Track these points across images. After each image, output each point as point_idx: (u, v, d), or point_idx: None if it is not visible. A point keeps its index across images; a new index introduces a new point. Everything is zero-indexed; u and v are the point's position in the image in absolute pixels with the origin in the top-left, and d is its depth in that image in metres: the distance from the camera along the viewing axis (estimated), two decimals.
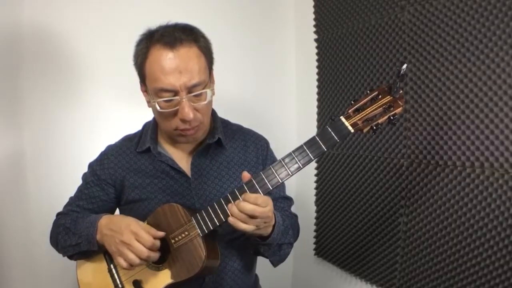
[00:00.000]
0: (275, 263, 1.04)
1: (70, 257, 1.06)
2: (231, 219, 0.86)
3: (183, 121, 0.94)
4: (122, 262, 0.90)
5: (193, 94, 0.93)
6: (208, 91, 0.96)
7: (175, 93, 0.91)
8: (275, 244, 0.96)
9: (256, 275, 1.20)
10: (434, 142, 1.23)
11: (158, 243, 0.91)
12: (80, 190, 1.11)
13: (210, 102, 1.00)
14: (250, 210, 0.83)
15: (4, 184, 1.45)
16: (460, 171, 1.16)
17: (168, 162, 1.04)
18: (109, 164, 1.08)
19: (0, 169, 1.44)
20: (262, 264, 1.19)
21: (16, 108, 1.45)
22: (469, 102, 1.12)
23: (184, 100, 0.91)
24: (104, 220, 0.97)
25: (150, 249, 0.89)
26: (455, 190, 1.17)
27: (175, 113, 0.94)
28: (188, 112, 0.91)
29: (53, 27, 1.48)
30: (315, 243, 1.79)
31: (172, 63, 0.90)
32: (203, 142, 1.06)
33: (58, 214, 1.12)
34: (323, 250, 1.74)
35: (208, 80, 0.98)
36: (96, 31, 1.53)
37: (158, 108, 0.94)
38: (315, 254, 1.80)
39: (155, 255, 0.91)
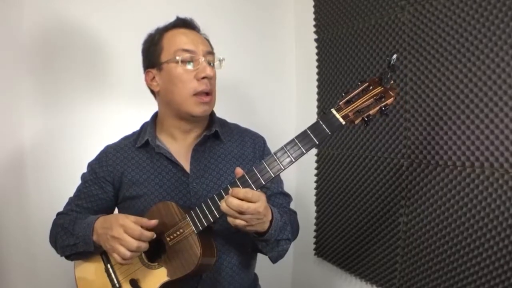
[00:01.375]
0: (273, 259, 1.03)
1: (68, 257, 1.07)
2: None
3: (203, 79, 1.00)
4: (116, 257, 0.90)
5: (207, 59, 1.03)
6: (217, 61, 1.08)
7: (194, 55, 1.01)
8: (273, 240, 0.96)
9: (255, 274, 1.20)
10: (434, 142, 1.23)
11: (147, 233, 0.90)
12: (79, 189, 1.12)
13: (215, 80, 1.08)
14: (236, 205, 0.83)
15: (4, 184, 1.45)
16: (460, 171, 1.16)
17: (166, 155, 1.05)
18: (108, 161, 1.08)
19: (0, 169, 1.44)
20: (261, 264, 1.19)
21: (17, 108, 1.45)
22: (469, 102, 1.12)
23: (203, 60, 1.02)
24: (99, 221, 0.97)
25: (139, 239, 0.88)
26: (455, 190, 1.17)
27: (193, 76, 1.01)
28: (209, 68, 1.01)
29: (54, 25, 1.48)
30: (315, 243, 1.79)
31: (190, 36, 1.04)
32: (200, 135, 1.08)
33: (58, 214, 1.13)
34: (323, 250, 1.74)
35: (221, 58, 1.10)
36: (97, 30, 1.53)
37: (179, 65, 1.00)
38: (315, 254, 1.80)
39: (145, 245, 0.90)
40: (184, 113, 1.04)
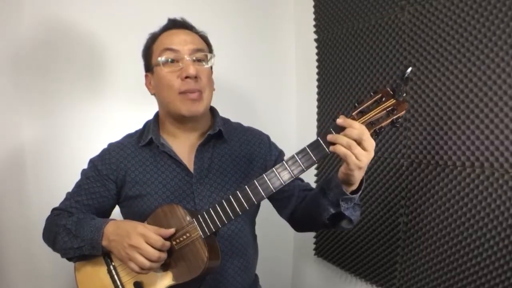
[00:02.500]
0: (347, 223, 0.96)
1: (69, 259, 1.04)
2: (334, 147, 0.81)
3: (186, 78, 0.98)
4: (133, 266, 0.89)
5: (195, 57, 1.01)
6: (210, 55, 1.05)
7: (178, 54, 1.00)
8: (357, 199, 0.91)
9: (256, 275, 1.20)
10: (434, 142, 1.23)
11: (168, 243, 0.90)
12: (79, 185, 1.09)
13: (211, 75, 1.06)
14: (362, 131, 0.78)
15: (4, 185, 1.45)
16: (460, 171, 1.16)
17: (170, 154, 1.04)
18: (111, 159, 1.07)
19: (0, 169, 1.44)
20: (262, 264, 1.19)
21: (17, 107, 1.45)
22: (469, 102, 1.12)
23: (187, 58, 0.99)
24: (111, 227, 0.95)
25: (160, 249, 0.89)
26: (455, 190, 1.17)
27: (177, 76, 1.00)
28: (192, 67, 0.98)
29: (54, 25, 1.48)
30: (315, 243, 1.79)
31: (178, 35, 1.03)
32: (204, 135, 1.07)
33: (54, 210, 1.10)
34: (323, 250, 1.74)
35: (210, 54, 1.06)
36: (97, 30, 1.53)
37: (161, 66, 1.00)
38: (315, 254, 1.80)
39: (165, 256, 0.90)
40: (174, 114, 1.03)
